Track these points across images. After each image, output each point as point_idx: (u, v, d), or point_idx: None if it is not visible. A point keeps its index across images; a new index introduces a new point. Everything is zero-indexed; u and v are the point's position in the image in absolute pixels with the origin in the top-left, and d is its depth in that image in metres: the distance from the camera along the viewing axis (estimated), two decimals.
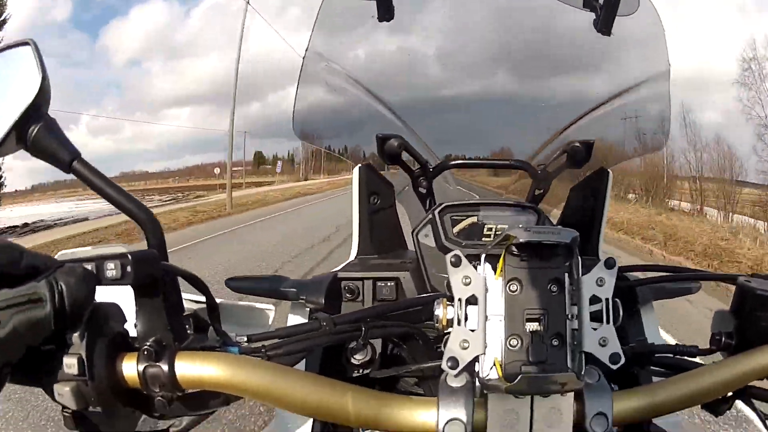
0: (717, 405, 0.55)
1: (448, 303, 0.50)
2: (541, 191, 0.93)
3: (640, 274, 0.82)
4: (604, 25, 0.90)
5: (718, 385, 0.50)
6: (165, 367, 0.47)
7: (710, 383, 0.50)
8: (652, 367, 0.68)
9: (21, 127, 0.50)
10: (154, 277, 0.49)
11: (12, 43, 0.56)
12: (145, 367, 0.47)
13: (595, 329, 0.46)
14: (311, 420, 0.81)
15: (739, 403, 0.57)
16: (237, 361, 0.49)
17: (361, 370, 0.77)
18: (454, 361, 0.45)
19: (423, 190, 0.89)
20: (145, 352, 0.47)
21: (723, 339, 0.57)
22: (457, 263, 0.48)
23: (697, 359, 0.64)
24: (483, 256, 0.49)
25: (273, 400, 0.49)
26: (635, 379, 0.68)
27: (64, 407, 0.47)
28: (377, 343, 0.78)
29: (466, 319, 0.47)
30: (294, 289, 0.80)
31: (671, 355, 0.67)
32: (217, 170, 42.49)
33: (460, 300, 0.47)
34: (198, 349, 0.51)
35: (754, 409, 0.57)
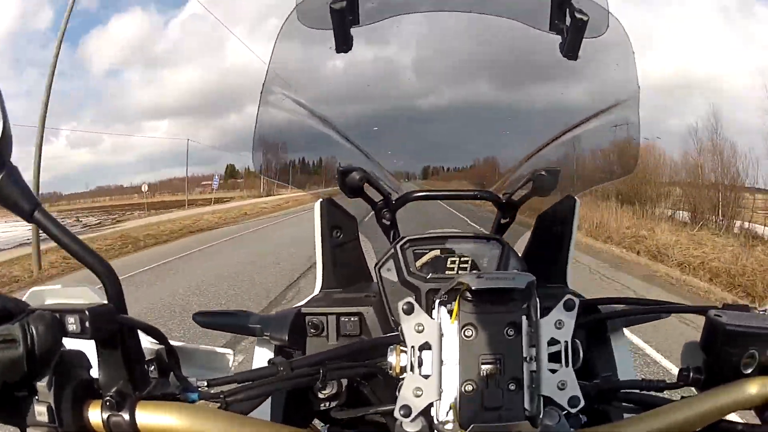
0: None
1: (402, 350, 0.50)
2: (507, 220, 0.92)
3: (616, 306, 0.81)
4: (570, 50, 0.88)
5: (689, 421, 0.50)
6: (126, 417, 0.49)
7: (681, 419, 0.50)
8: (623, 403, 0.68)
9: None
10: (111, 332, 0.49)
11: None
12: (108, 416, 0.49)
13: (554, 371, 0.46)
14: None
15: None
16: (195, 412, 0.50)
17: (328, 403, 0.77)
18: (407, 409, 0.46)
19: (387, 222, 0.88)
20: (107, 402, 0.49)
21: (691, 374, 0.57)
22: (409, 311, 0.47)
23: (666, 394, 0.64)
24: (437, 303, 0.49)
25: None
26: (606, 415, 0.68)
27: None
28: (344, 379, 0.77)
29: (420, 364, 0.47)
30: (259, 326, 0.80)
31: (638, 391, 0.66)
32: (144, 187, 40.93)
33: (413, 347, 0.47)
34: (159, 397, 0.52)
35: None
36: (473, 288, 0.45)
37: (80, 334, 0.47)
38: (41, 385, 0.46)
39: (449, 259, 0.84)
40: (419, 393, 0.46)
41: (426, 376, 0.46)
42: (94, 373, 0.52)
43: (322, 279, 0.87)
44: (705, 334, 0.56)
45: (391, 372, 0.51)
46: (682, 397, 0.52)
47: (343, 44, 0.76)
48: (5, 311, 0.45)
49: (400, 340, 0.50)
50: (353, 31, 0.77)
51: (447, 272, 0.83)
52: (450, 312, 0.48)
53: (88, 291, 0.73)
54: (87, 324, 0.46)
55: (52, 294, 0.76)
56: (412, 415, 0.46)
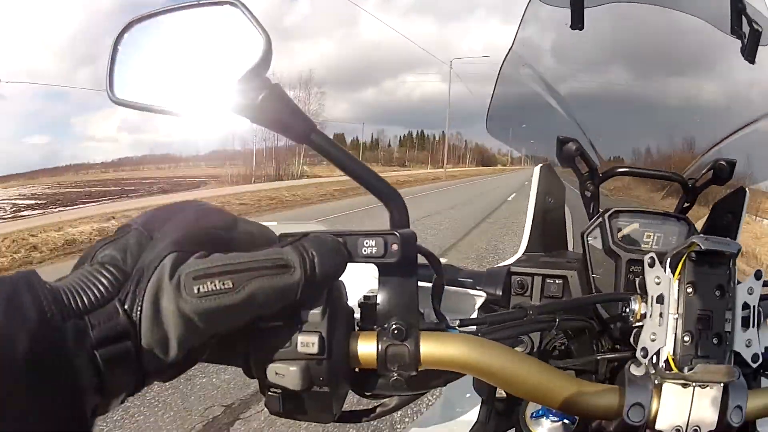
0: None
1: (642, 299, 0.56)
2: (689, 203, 0.98)
3: None
4: (750, 53, 0.97)
5: None
6: (411, 347, 0.48)
7: None
8: None
9: (246, 94, 0.46)
10: (413, 258, 0.49)
11: (213, 1, 0.50)
12: (387, 346, 0.48)
13: (744, 331, 0.53)
14: (478, 403, 0.84)
15: None
16: (477, 343, 0.52)
17: None
18: (645, 351, 0.52)
19: (588, 194, 0.93)
20: (395, 331, 0.48)
21: None
22: (652, 264, 0.54)
23: None
24: (668, 260, 0.54)
25: (499, 379, 0.52)
26: (759, 381, 0.74)
27: (272, 388, 0.46)
28: (535, 337, 0.81)
29: (654, 314, 0.53)
30: (471, 280, 0.83)
31: None
32: None
33: (652, 297, 0.53)
34: (434, 329, 0.53)
35: None
36: (702, 248, 0.51)
37: (381, 258, 0.46)
38: (314, 313, 0.44)
39: (645, 233, 0.89)
40: (654, 338, 0.52)
41: (659, 325, 0.52)
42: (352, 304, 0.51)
43: (528, 241, 0.91)
44: None
45: (631, 318, 0.57)
46: None
47: (578, 22, 0.83)
48: (248, 235, 0.43)
49: (633, 294, 0.57)
50: (586, 12, 0.84)
51: (642, 246, 0.88)
52: (673, 270, 0.54)
53: (321, 226, 0.74)
54: (395, 247, 0.46)
55: (295, 228, 0.76)
56: (648, 357, 0.52)
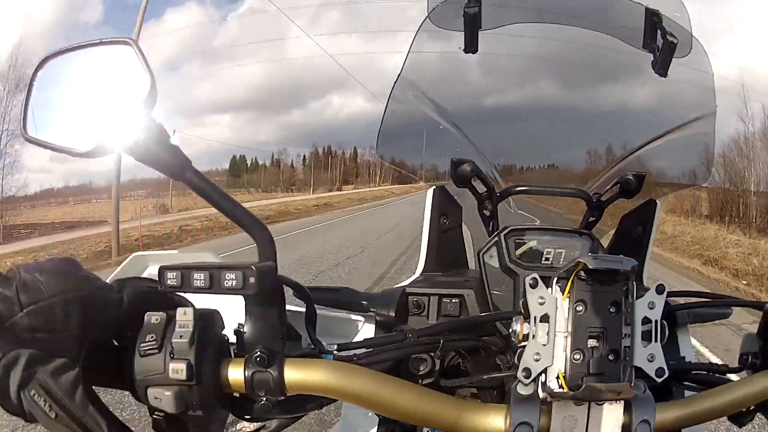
0: (741, 417, 0.61)
1: (525, 319, 0.56)
2: (595, 218, 0.99)
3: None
4: (661, 67, 0.96)
5: (743, 399, 0.57)
6: (275, 373, 0.51)
7: (737, 397, 0.57)
8: (685, 383, 0.75)
9: (129, 131, 0.49)
10: (272, 289, 0.53)
11: (111, 39, 0.53)
12: (253, 373, 0.51)
13: (644, 347, 0.53)
14: (377, 423, 0.87)
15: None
16: (342, 369, 0.54)
17: (421, 380, 0.83)
18: (527, 372, 0.52)
19: (487, 213, 0.94)
20: (257, 359, 0.51)
21: (750, 359, 0.63)
22: (534, 285, 0.54)
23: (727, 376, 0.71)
24: (554, 279, 0.55)
25: (370, 404, 0.55)
26: (670, 393, 0.75)
27: (155, 411, 0.50)
28: (437, 357, 0.83)
29: (539, 334, 0.53)
30: (365, 302, 0.85)
31: (705, 372, 0.73)
32: None
33: (535, 317, 0.54)
34: (300, 356, 0.55)
35: None
36: (590, 267, 0.51)
37: (240, 290, 0.49)
38: (180, 342, 0.48)
39: (546, 250, 0.90)
40: (537, 358, 0.52)
41: (543, 345, 0.52)
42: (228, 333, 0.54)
43: (425, 262, 0.93)
44: (761, 325, 0.63)
45: (513, 339, 0.57)
46: (740, 379, 0.60)
47: (471, 46, 0.84)
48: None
49: (515, 315, 0.57)
50: (480, 34, 0.84)
51: (543, 262, 0.90)
52: (563, 289, 0.54)
53: (209, 256, 0.77)
54: (252, 279, 0.49)
55: (173, 258, 0.80)
56: (531, 377, 0.52)
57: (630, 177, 0.96)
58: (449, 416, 0.54)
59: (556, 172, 1.01)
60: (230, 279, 0.49)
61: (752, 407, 0.60)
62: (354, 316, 0.78)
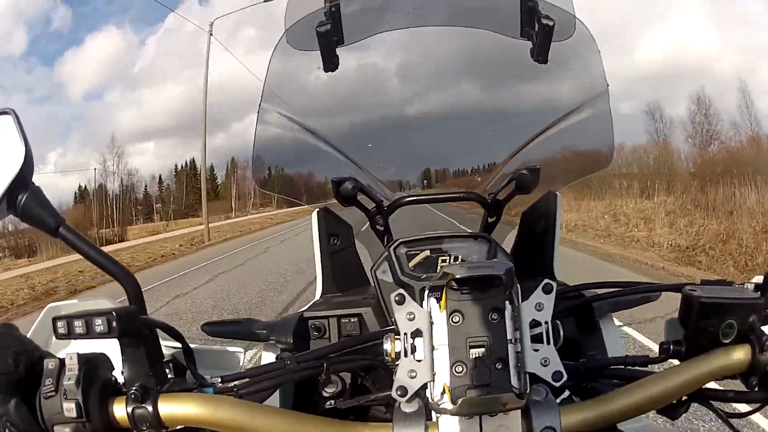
0: (673, 409, 0.58)
1: (396, 337, 0.54)
2: (493, 219, 0.97)
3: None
4: (540, 54, 0.94)
5: (670, 391, 0.54)
6: (150, 408, 0.54)
7: (662, 389, 0.54)
8: (615, 380, 0.72)
9: (9, 195, 0.57)
10: (135, 331, 0.55)
11: None
12: (133, 409, 0.54)
13: (537, 350, 0.50)
14: None
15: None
16: (214, 401, 0.55)
17: (332, 402, 0.81)
18: (403, 390, 0.50)
19: (380, 228, 0.92)
20: (132, 396, 0.54)
21: (672, 347, 0.60)
22: (401, 301, 0.52)
23: (650, 368, 0.68)
24: (426, 292, 0.53)
25: None
26: (597, 391, 0.72)
27: None
28: (347, 376, 0.81)
29: (413, 350, 0.51)
30: (264, 331, 0.84)
31: (622, 367, 0.71)
32: None
33: (406, 334, 0.52)
34: (177, 391, 0.58)
35: (713, 409, 0.61)
36: (457, 277, 0.50)
37: (107, 334, 0.53)
38: (69, 384, 0.51)
39: (440, 258, 0.88)
40: (413, 375, 0.50)
41: (419, 360, 0.50)
42: (117, 373, 0.57)
43: (323, 285, 0.91)
44: (681, 309, 0.59)
45: (387, 359, 0.56)
46: (664, 370, 0.56)
47: (330, 64, 0.81)
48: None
49: (385, 333, 0.55)
50: (340, 50, 0.82)
51: (438, 271, 0.88)
52: (439, 301, 0.52)
53: (106, 303, 0.78)
54: (114, 324, 0.52)
55: (70, 307, 0.82)
56: (408, 395, 0.50)
57: (524, 172, 0.94)
58: None
59: (449, 177, 0.99)
60: (98, 325, 0.53)
61: (684, 398, 0.57)
62: (231, 349, 0.77)
